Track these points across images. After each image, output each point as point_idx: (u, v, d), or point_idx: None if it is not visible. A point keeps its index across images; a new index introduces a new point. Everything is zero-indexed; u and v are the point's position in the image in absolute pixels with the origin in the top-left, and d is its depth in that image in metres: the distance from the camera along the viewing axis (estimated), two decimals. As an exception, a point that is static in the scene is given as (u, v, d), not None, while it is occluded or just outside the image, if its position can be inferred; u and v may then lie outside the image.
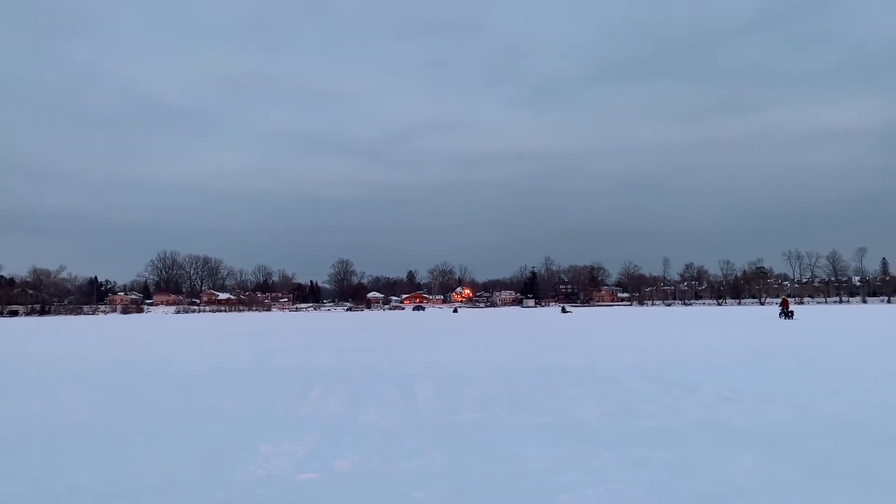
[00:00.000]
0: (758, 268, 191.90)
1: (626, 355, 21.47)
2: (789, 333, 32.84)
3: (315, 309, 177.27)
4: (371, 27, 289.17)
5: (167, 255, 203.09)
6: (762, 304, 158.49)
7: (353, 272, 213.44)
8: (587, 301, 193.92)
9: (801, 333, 32.71)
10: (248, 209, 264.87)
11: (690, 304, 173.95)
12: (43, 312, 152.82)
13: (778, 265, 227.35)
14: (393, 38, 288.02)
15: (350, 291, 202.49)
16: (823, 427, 9.25)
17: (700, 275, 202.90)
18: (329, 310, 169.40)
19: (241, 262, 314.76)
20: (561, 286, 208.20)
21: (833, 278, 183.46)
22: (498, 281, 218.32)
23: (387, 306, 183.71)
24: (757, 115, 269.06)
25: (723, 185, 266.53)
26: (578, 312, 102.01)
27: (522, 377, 15.80)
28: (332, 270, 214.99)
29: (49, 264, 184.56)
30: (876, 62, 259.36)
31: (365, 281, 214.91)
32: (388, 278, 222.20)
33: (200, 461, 7.75)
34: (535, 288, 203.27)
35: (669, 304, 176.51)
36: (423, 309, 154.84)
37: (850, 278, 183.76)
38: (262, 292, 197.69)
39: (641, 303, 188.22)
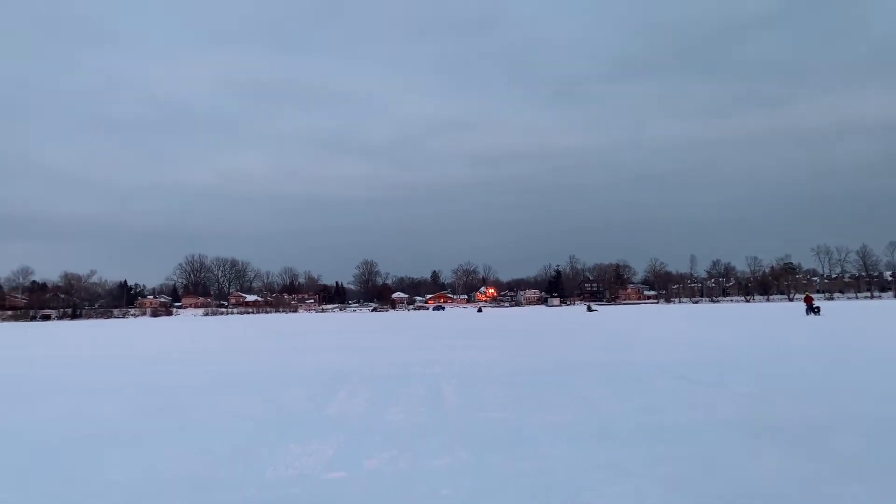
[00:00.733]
0: (786, 263, 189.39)
1: (652, 353, 21.40)
2: (815, 330, 32.45)
3: (341, 310, 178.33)
4: (387, 29, 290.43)
5: (195, 258, 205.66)
6: (791, 300, 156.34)
7: (377, 273, 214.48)
8: (613, 299, 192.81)
9: (827, 330, 32.30)
10: (273, 211, 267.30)
11: (718, 302, 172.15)
12: (74, 316, 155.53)
13: (807, 261, 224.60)
14: (409, 39, 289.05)
15: (375, 292, 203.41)
16: (852, 424, 9.20)
17: (727, 271, 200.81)
18: (354, 310, 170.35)
19: (268, 264, 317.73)
20: (586, 284, 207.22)
21: (863, 273, 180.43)
22: (522, 280, 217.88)
23: (411, 307, 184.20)
24: (780, 108, 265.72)
25: (748, 180, 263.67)
26: (604, 311, 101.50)
27: (547, 376, 15.84)
28: (356, 271, 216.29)
29: (80, 269, 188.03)
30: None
31: (389, 282, 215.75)
32: (413, 279, 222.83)
33: (231, 461, 7.93)
34: (559, 286, 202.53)
35: (697, 302, 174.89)
36: (443, 309, 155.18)
37: (881, 273, 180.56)
38: (288, 294, 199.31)
39: (668, 300, 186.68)
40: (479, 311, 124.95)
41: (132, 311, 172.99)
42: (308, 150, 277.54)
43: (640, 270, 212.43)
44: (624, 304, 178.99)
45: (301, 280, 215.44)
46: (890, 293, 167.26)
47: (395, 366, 19.52)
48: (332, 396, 13.23)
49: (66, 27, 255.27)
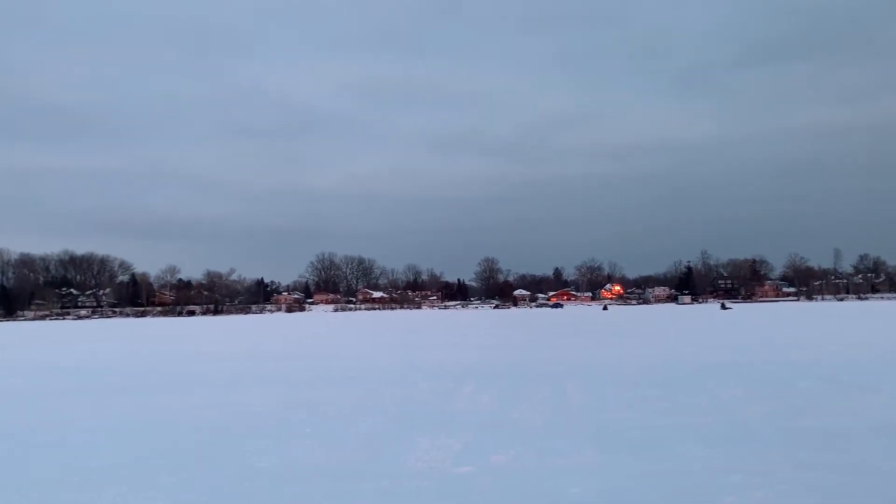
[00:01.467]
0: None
1: (793, 353, 20.17)
2: None
3: (463, 307, 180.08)
4: (504, 24, 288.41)
5: (325, 256, 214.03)
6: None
7: (498, 270, 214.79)
8: (749, 297, 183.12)
9: None
10: (396, 211, 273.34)
11: (866, 299, 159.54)
12: (216, 312, 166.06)
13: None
14: (526, 33, 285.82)
15: (496, 289, 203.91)
16: None
17: (877, 266, 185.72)
18: (476, 307, 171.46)
19: (393, 261, 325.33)
20: (719, 281, 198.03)
21: None
22: (650, 277, 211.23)
23: (533, 304, 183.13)
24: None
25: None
26: (739, 309, 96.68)
27: (678, 376, 15.29)
28: (478, 269, 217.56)
29: (221, 267, 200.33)
30: None
31: (511, 279, 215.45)
32: (534, 276, 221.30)
33: (363, 452, 8.19)
34: (690, 283, 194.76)
35: (842, 299, 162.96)
36: (561, 306, 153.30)
37: None
38: (412, 290, 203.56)
39: (810, 297, 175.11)
40: (605, 308, 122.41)
41: (268, 306, 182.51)
42: (428, 149, 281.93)
43: (777, 266, 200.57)
44: (760, 301, 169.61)
45: (424, 277, 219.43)
46: None
47: (518, 363, 19.50)
48: (457, 392, 13.39)
49: (213, 43, 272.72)
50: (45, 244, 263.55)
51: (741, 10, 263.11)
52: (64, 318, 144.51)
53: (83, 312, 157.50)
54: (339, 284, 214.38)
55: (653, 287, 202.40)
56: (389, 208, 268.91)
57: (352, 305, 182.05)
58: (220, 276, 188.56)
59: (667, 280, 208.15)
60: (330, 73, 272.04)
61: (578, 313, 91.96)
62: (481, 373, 16.90)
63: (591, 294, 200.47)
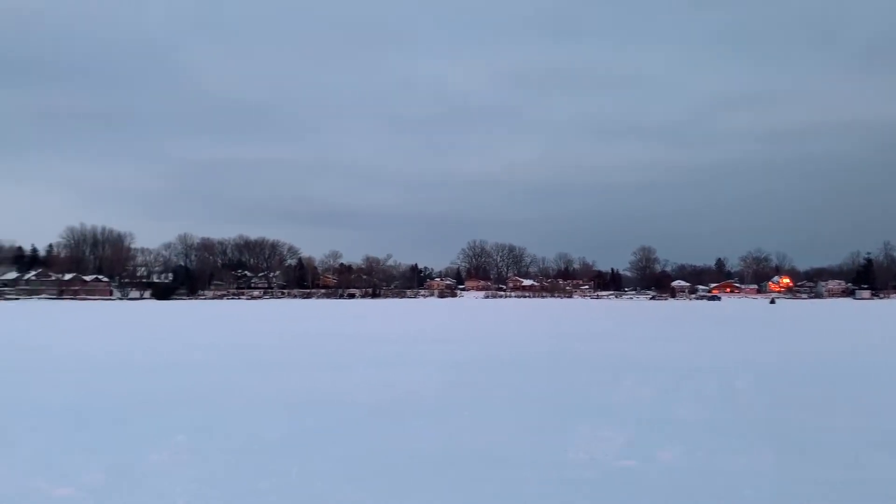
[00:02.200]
0: None
1: None
2: None
3: (616, 297, 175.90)
4: (661, 3, 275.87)
5: (476, 243, 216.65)
6: None
7: (655, 259, 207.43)
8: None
9: None
10: (548, 198, 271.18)
11: None
12: (374, 295, 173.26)
13: None
14: (690, 10, 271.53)
15: (652, 279, 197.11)
16: None
17: None
18: (630, 298, 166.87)
19: (543, 249, 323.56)
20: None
21: None
22: (823, 269, 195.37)
23: (693, 296, 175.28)
24: None
25: None
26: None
27: (863, 374, 14.08)
28: (633, 258, 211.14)
29: (378, 253, 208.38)
30: None
31: (668, 269, 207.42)
32: (694, 266, 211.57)
33: (524, 440, 8.23)
34: (870, 277, 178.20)
35: None
36: (719, 299, 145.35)
37: None
38: (563, 279, 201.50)
39: None
40: (772, 302, 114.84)
41: (422, 291, 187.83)
42: (583, 135, 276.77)
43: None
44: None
45: (575, 266, 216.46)
46: None
47: (680, 357, 18.78)
48: (616, 384, 13.12)
49: (369, 35, 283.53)
50: (224, 229, 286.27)
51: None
52: (239, 298, 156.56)
53: (255, 293, 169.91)
54: (489, 271, 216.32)
55: (826, 280, 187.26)
56: (541, 195, 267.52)
57: (502, 293, 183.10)
58: (377, 261, 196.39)
59: (842, 273, 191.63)
60: (484, 61, 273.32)
61: (744, 307, 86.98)
62: (641, 365, 16.45)
63: (756, 287, 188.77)
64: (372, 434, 8.53)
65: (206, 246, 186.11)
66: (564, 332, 31.03)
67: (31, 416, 9.46)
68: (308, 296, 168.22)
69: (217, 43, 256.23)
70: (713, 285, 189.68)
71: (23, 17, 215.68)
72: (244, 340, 26.07)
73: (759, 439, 8.18)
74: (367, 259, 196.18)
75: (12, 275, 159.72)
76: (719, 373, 14.77)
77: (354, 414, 9.92)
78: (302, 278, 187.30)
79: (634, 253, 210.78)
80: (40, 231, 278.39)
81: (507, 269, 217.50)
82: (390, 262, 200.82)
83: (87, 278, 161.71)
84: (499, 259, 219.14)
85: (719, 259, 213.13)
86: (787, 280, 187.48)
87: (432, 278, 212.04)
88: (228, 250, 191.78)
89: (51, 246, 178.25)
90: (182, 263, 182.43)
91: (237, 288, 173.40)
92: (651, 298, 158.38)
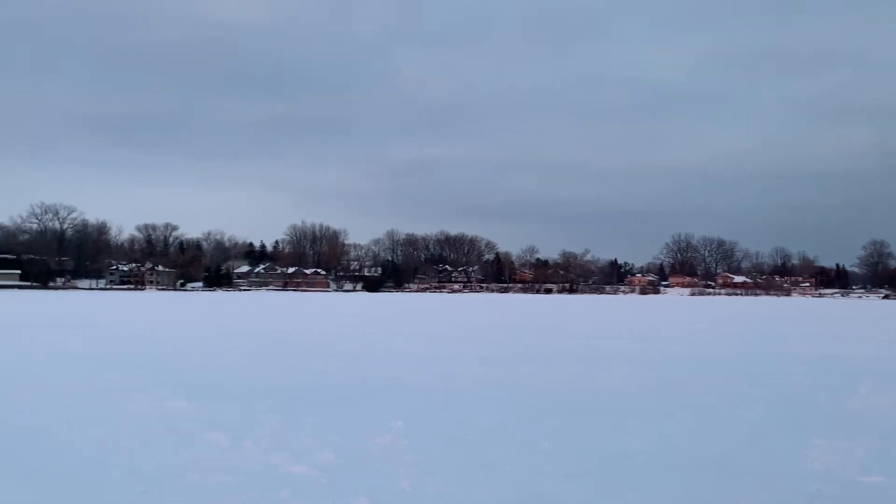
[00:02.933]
0: None
1: None
2: None
3: (842, 295, 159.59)
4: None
5: (681, 237, 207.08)
6: None
7: (889, 255, 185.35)
8: None
9: None
10: (760, 188, 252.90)
11: None
12: (571, 291, 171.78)
13: None
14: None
15: (886, 276, 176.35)
16: None
17: None
18: (859, 297, 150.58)
19: (757, 243, 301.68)
20: None
21: None
22: None
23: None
24: None
25: None
26: None
27: None
28: (862, 253, 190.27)
29: (576, 248, 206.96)
30: None
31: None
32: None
33: (750, 446, 7.68)
34: None
35: None
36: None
37: None
38: (780, 276, 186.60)
39: None
40: None
41: (622, 288, 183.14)
42: (801, 119, 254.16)
43: None
44: None
45: (794, 261, 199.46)
46: None
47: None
48: (849, 391, 11.88)
49: (560, 28, 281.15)
50: (426, 226, 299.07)
51: None
52: (440, 291, 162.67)
53: (455, 286, 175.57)
54: (696, 267, 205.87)
55: None
56: (754, 186, 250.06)
57: (710, 290, 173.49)
58: (574, 256, 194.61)
59: None
60: (686, 45, 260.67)
61: None
62: (878, 371, 14.76)
63: None
64: (586, 431, 8.41)
65: (411, 242, 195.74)
66: (783, 332, 28.69)
67: (269, 397, 10.45)
68: (505, 290, 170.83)
69: (416, 47, 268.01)
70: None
71: (247, 35, 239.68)
72: (462, 332, 27.00)
73: None
74: (564, 254, 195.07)
75: (245, 268, 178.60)
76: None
77: (561, 408, 9.85)
78: (499, 273, 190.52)
79: (864, 247, 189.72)
80: (268, 229, 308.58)
81: (716, 265, 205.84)
82: (588, 257, 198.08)
83: (308, 271, 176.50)
84: (706, 254, 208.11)
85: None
86: None
87: (633, 274, 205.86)
88: (431, 246, 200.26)
89: (277, 242, 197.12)
90: (389, 258, 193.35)
91: (438, 282, 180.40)
92: (884, 297, 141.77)
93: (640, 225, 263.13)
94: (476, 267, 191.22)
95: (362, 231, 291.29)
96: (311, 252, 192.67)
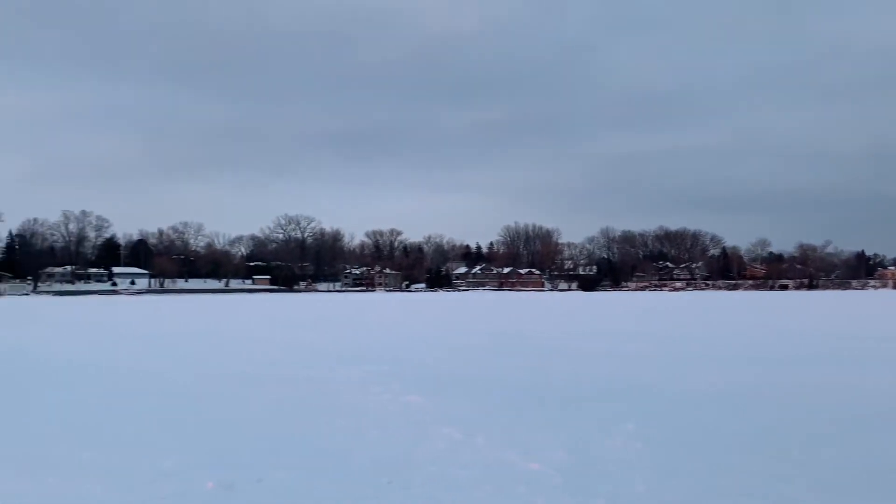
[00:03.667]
0: None
1: None
2: None
3: None
4: None
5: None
6: None
7: None
8: None
9: None
10: None
11: None
12: (810, 287, 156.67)
13: None
14: None
15: None
16: None
17: None
18: None
19: None
20: None
21: None
22: None
23: None
24: None
25: None
26: None
27: None
28: None
29: (814, 239, 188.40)
30: None
31: None
32: None
33: None
34: None
35: None
36: None
37: None
38: None
39: None
40: None
41: (871, 282, 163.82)
42: None
43: None
44: None
45: None
46: None
47: None
48: None
49: (796, 4, 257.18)
50: (643, 221, 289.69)
51: None
52: (661, 290, 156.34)
53: (678, 284, 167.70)
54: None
55: None
56: None
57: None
58: (813, 248, 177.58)
59: None
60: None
61: None
62: None
63: None
64: (849, 444, 7.57)
65: (627, 238, 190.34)
66: None
67: (500, 394, 10.66)
68: (734, 287, 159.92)
69: (627, 37, 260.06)
70: None
71: (459, 43, 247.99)
72: (687, 332, 25.85)
73: None
74: (801, 246, 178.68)
75: (462, 269, 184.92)
76: None
77: (825, 416, 8.95)
78: (726, 269, 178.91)
79: None
80: (482, 231, 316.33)
81: None
82: (829, 250, 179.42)
83: (522, 271, 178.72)
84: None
85: None
86: None
87: (884, 266, 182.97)
88: (649, 242, 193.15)
89: (491, 244, 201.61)
90: (605, 256, 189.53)
91: (659, 279, 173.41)
92: None
93: (891, 211, 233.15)
94: (700, 263, 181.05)
95: (575, 229, 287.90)
96: (525, 252, 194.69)
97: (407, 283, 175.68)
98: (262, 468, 6.48)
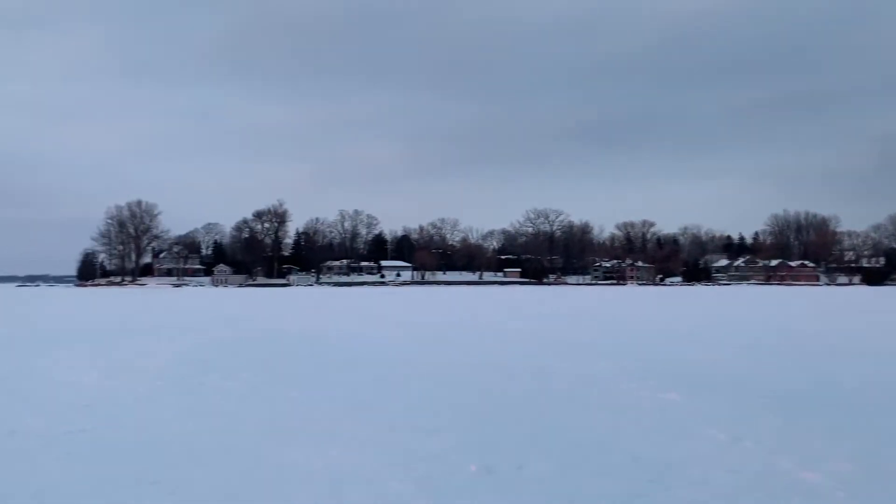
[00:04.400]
0: None
1: None
2: None
3: None
4: None
5: None
6: None
7: None
8: None
9: None
10: None
11: None
12: None
13: None
14: None
15: None
16: None
17: None
18: None
19: None
20: None
21: None
22: None
23: None
24: None
25: None
26: None
27: None
28: None
29: None
30: None
31: None
32: None
33: None
34: None
35: None
36: None
37: None
38: None
39: None
40: None
41: None
42: None
43: None
44: None
45: None
46: None
47: None
48: None
49: None
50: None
51: None
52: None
53: None
54: None
55: None
56: None
57: None
58: None
59: None
60: None
61: None
62: None
63: None
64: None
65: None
66: None
67: (762, 396, 9.89)
68: None
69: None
70: None
71: (705, 22, 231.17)
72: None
73: None
74: None
75: (723, 262, 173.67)
76: None
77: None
78: None
79: None
80: (746, 220, 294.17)
81: None
82: None
83: (793, 264, 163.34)
84: None
85: None
86: None
87: None
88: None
89: (756, 234, 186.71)
90: (894, 246, 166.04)
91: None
92: None
93: None
94: None
95: (857, 217, 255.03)
96: (797, 242, 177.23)
97: (661, 276, 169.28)
98: (522, 456, 6.68)
